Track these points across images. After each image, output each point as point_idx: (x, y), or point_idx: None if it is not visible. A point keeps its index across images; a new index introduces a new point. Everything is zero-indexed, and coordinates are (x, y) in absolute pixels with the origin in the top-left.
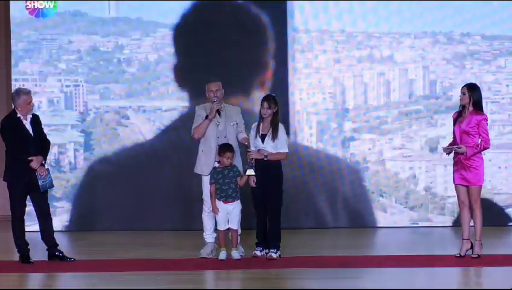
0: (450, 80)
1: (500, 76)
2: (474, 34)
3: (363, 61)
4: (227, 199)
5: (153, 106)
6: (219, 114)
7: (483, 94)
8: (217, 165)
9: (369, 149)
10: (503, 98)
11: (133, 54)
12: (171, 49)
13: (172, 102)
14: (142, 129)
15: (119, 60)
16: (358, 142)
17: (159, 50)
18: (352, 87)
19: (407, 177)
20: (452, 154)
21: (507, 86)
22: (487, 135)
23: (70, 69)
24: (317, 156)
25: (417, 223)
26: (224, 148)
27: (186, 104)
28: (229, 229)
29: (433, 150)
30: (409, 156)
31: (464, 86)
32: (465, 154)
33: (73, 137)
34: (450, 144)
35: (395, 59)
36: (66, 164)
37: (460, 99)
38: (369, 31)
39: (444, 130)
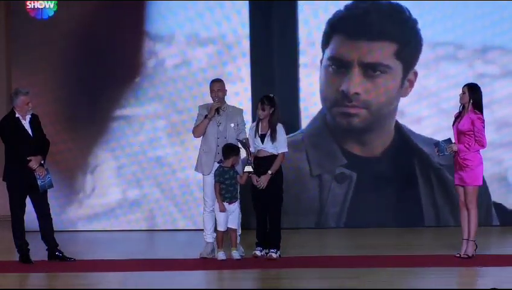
0: None
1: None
2: None
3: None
4: (231, 200)
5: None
6: (218, 113)
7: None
8: (217, 164)
9: None
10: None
11: None
12: None
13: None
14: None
15: None
16: None
17: None
18: None
19: None
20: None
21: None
22: (481, 135)
23: None
24: None
25: None
26: (233, 152)
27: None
28: (228, 229)
29: None
30: None
31: (465, 85)
32: (458, 151)
33: None
34: None
35: None
36: None
37: (460, 99)
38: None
39: None
